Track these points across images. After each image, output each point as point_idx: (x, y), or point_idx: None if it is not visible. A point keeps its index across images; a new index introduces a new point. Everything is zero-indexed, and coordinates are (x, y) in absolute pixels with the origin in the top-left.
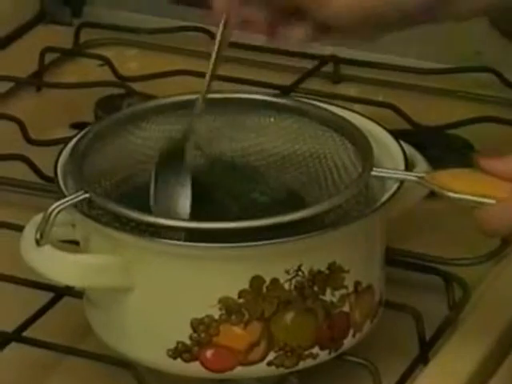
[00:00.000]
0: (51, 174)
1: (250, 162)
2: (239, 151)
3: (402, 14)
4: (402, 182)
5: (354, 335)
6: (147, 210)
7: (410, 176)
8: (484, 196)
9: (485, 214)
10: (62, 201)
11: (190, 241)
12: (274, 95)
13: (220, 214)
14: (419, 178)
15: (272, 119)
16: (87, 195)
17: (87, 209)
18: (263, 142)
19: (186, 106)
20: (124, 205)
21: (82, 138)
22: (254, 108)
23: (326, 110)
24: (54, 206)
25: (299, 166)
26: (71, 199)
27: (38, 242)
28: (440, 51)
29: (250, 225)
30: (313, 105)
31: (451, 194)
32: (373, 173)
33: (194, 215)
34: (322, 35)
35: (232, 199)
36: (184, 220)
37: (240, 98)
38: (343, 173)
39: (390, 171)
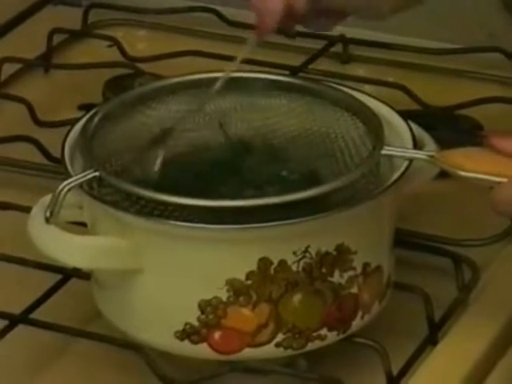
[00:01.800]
0: (59, 156)
1: (261, 142)
2: (250, 131)
3: None
4: (411, 160)
5: (362, 317)
6: (157, 188)
7: (421, 155)
8: (496, 175)
9: (498, 194)
10: (73, 179)
11: (199, 222)
12: (285, 75)
13: (232, 193)
14: (430, 156)
15: (283, 99)
16: (97, 173)
17: (97, 188)
18: (274, 123)
19: (196, 85)
20: (134, 183)
21: (92, 117)
22: (265, 88)
23: (336, 89)
24: (64, 184)
25: (310, 146)
26: (81, 177)
27: (47, 220)
28: (452, 32)
29: (257, 203)
30: (323, 84)
31: (463, 173)
32: (383, 151)
33: (206, 194)
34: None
35: (244, 179)
36: (192, 198)
37: (251, 78)
38: (354, 152)
39: (400, 150)
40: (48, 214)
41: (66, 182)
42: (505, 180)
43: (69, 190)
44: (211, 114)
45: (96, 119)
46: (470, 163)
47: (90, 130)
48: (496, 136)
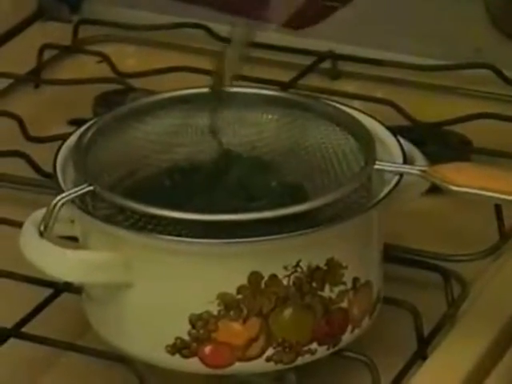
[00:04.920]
0: (50, 170)
1: (253, 156)
2: (242, 145)
3: None
4: (401, 175)
5: (352, 331)
6: (150, 202)
7: (413, 169)
8: (489, 190)
9: None
10: (67, 193)
11: (190, 236)
12: (277, 90)
13: (223, 207)
14: (422, 171)
15: (275, 113)
16: (91, 188)
17: (90, 202)
18: (265, 137)
19: (187, 100)
20: (128, 197)
21: (85, 132)
22: (256, 103)
23: (327, 104)
24: (58, 198)
25: (302, 160)
26: (76, 191)
27: (41, 234)
28: (440, 48)
29: (249, 217)
30: (315, 99)
31: (455, 188)
32: (376, 166)
33: (197, 208)
34: None
35: (234, 192)
36: (186, 212)
37: (242, 93)
38: (345, 166)
39: (392, 165)
40: (42, 228)
41: (60, 196)
42: (497, 195)
43: (63, 204)
44: (203, 128)
45: (89, 134)
46: (461, 178)
47: (83, 145)
48: None
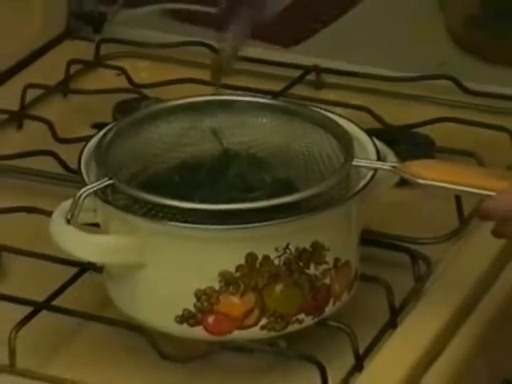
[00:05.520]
0: (75, 167)
1: (249, 154)
2: (240, 145)
3: None
4: (375, 170)
5: (334, 304)
6: (161, 194)
7: (385, 166)
8: (450, 182)
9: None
10: (90, 186)
11: (196, 223)
12: (270, 98)
13: (223, 198)
14: (393, 167)
15: (267, 118)
16: (111, 181)
17: (110, 194)
18: (259, 138)
19: (193, 107)
20: (142, 190)
21: (105, 134)
22: (251, 109)
23: (313, 110)
24: (83, 190)
25: (291, 158)
26: (98, 184)
27: (68, 221)
28: (408, 62)
29: (246, 206)
30: (302, 106)
31: (421, 181)
32: (354, 163)
33: (201, 199)
34: None
35: (233, 185)
36: (191, 202)
37: (239, 101)
38: (328, 163)
39: (367, 161)
40: (69, 216)
41: (84, 189)
42: (455, 187)
43: (87, 195)
44: (206, 130)
45: (109, 136)
46: (427, 173)
47: (104, 145)
48: None
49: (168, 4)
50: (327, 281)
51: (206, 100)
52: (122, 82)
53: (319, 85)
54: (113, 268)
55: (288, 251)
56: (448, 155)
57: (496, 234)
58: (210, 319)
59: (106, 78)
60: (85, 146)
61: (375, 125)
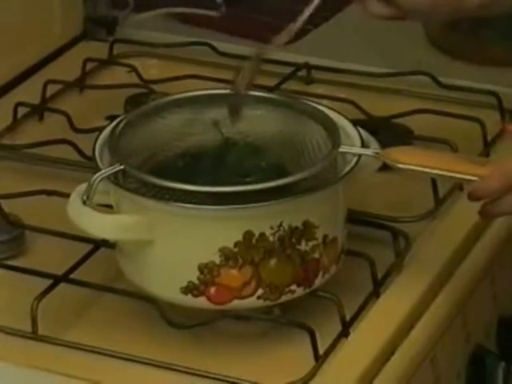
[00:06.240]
0: (90, 154)
1: (247, 143)
2: (239, 134)
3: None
4: (360, 156)
5: (323, 276)
6: (168, 178)
7: (369, 152)
8: (426, 166)
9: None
10: (103, 171)
11: (198, 203)
12: (266, 92)
13: (223, 181)
14: (375, 153)
15: (263, 110)
16: (122, 167)
17: (121, 178)
18: (256, 128)
19: (196, 100)
20: (150, 174)
21: (117, 125)
22: (250, 102)
23: (304, 103)
24: (97, 175)
25: (284, 145)
26: (110, 170)
27: (84, 203)
28: (389, 60)
29: (244, 189)
30: (294, 99)
31: (400, 165)
32: (340, 149)
33: (203, 182)
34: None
35: (232, 170)
36: (195, 185)
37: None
38: (317, 150)
39: (353, 148)
40: (85, 197)
41: (98, 174)
42: (433, 171)
43: (100, 179)
44: (208, 121)
45: (120, 126)
46: (405, 158)
47: (116, 134)
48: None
49: (174, 8)
50: (317, 255)
51: (208, 94)
52: (133, 79)
53: (309, 80)
54: (124, 244)
55: (282, 229)
56: (425, 143)
57: (483, 214)
58: (212, 290)
59: (118, 75)
60: (99, 135)
61: (359, 116)
